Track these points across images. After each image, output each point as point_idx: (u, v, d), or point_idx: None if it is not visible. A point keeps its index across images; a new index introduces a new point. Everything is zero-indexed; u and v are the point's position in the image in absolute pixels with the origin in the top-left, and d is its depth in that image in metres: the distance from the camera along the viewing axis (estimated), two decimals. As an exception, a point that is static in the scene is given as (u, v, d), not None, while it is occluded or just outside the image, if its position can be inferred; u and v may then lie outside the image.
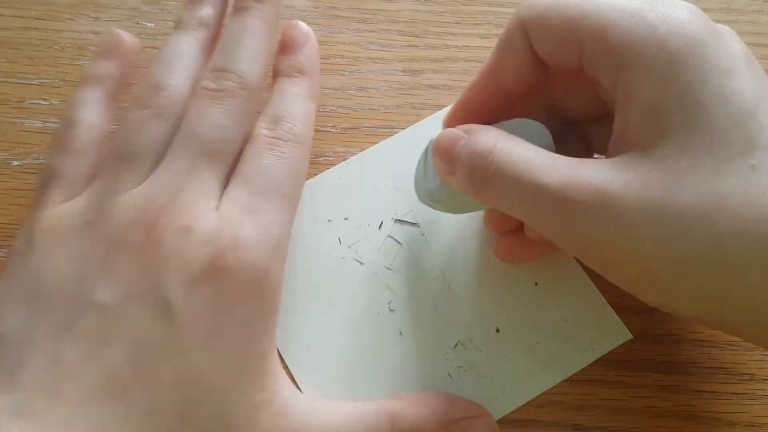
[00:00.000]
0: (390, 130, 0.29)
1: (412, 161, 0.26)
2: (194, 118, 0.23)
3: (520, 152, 0.20)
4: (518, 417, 0.25)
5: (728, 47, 0.19)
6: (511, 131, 0.21)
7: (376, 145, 0.29)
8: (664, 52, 0.18)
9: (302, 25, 0.27)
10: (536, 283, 0.26)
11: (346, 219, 0.27)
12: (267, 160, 0.23)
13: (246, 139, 0.24)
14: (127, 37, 0.27)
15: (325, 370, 0.25)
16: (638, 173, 0.18)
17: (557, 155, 0.20)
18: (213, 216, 0.22)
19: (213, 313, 0.20)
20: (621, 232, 0.18)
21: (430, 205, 0.25)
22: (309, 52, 0.27)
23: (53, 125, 0.29)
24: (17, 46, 0.31)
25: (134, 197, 0.22)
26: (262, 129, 0.24)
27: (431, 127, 0.29)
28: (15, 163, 0.29)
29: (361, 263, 0.27)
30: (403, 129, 0.29)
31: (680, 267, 0.18)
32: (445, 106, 0.30)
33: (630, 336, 0.26)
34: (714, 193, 0.18)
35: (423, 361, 0.25)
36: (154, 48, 0.31)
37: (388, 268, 0.27)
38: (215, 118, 0.23)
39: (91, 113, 0.25)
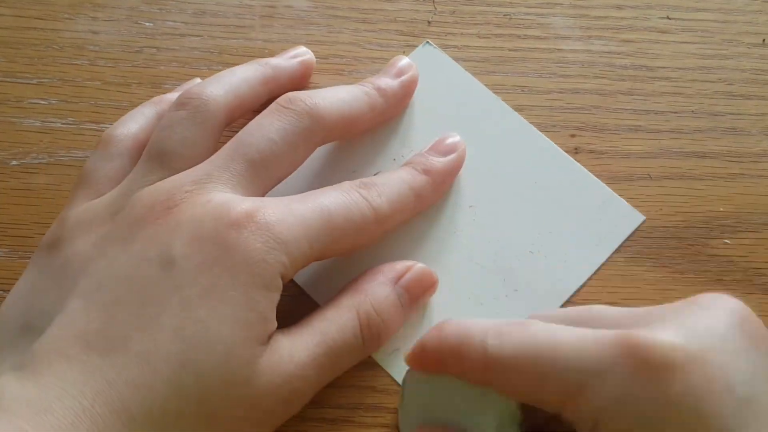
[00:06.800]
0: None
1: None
2: (250, 125, 0.24)
3: None
4: (517, 417, 0.25)
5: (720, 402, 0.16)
6: None
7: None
8: None
9: (459, 141, 0.28)
10: (536, 182, 0.28)
11: None
12: (330, 192, 0.23)
13: (294, 166, 0.25)
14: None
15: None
16: None
17: None
18: (236, 196, 0.22)
19: (213, 272, 0.21)
20: None
21: None
22: (447, 164, 0.27)
23: (52, 125, 0.29)
24: (16, 45, 0.31)
25: (162, 184, 0.23)
26: (347, 181, 0.24)
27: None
28: (14, 162, 0.29)
29: None
30: (402, 128, 0.29)
31: None
32: (445, 105, 0.30)
33: (642, 217, 0.27)
34: None
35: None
36: (154, 48, 0.31)
37: None
38: (268, 132, 0.23)
39: (135, 125, 0.26)
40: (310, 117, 0.24)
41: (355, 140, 0.28)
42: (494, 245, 0.27)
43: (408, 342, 0.25)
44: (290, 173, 0.25)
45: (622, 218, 0.27)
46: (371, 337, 0.23)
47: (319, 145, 0.25)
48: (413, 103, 0.29)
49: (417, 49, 0.30)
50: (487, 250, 0.27)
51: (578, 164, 0.28)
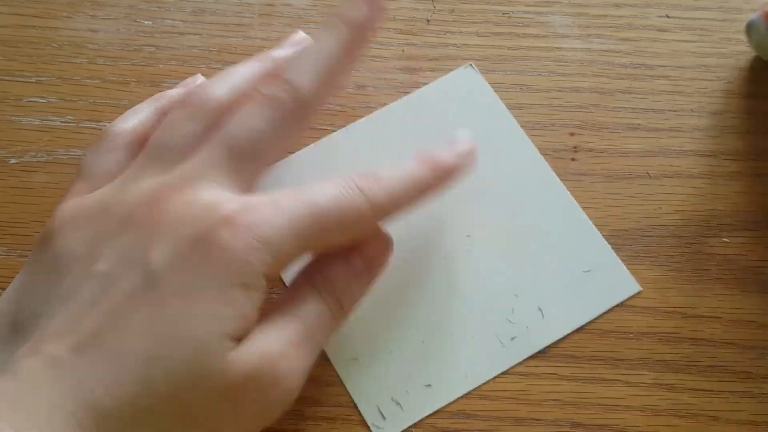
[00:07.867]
0: (388, 128, 0.29)
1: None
2: (235, 118, 0.24)
3: None
4: (517, 415, 0.25)
5: None
6: None
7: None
8: None
9: (471, 143, 0.26)
10: (539, 226, 0.28)
11: None
12: (323, 185, 0.23)
13: (284, 150, 0.24)
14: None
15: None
16: None
17: None
18: (223, 194, 0.22)
19: (193, 271, 0.21)
20: None
21: None
22: (455, 161, 0.25)
23: (51, 123, 0.29)
24: (15, 43, 0.31)
25: (149, 183, 0.23)
26: (346, 173, 0.24)
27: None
28: (13, 161, 0.29)
29: None
30: (401, 127, 0.29)
31: None
32: (444, 104, 0.30)
33: (639, 288, 0.26)
34: None
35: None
36: (153, 46, 0.31)
37: None
38: (254, 122, 0.23)
39: (134, 120, 0.26)
40: (293, 100, 0.24)
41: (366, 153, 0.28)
42: (487, 282, 0.27)
43: (366, 352, 0.26)
44: (281, 157, 0.24)
45: (618, 284, 0.27)
46: (337, 306, 0.23)
47: (309, 121, 0.25)
48: (438, 121, 0.29)
49: (459, 69, 0.30)
50: (480, 286, 0.27)
51: (590, 222, 0.27)
